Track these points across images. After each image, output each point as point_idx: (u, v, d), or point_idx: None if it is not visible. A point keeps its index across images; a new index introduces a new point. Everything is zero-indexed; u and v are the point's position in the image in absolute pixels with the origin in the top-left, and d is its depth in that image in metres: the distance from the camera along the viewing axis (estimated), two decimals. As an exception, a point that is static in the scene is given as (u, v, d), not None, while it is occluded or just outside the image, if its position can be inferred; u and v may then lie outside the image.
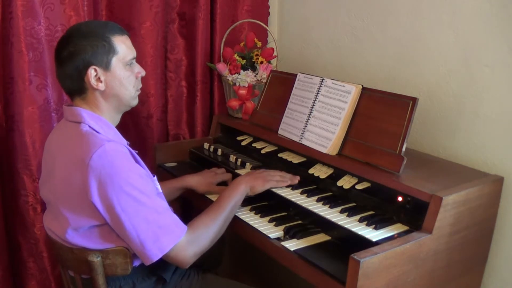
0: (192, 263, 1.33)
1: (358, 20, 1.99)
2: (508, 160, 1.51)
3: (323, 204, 1.50)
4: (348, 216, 1.41)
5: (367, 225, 1.35)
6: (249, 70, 2.09)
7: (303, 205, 1.50)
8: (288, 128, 1.80)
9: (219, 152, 2.01)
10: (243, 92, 2.06)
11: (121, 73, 1.35)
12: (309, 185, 1.64)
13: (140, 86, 1.44)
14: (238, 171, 1.78)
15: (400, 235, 1.30)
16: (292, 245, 1.36)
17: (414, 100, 1.45)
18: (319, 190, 1.60)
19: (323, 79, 1.72)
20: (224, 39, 2.19)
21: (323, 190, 1.60)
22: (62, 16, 1.79)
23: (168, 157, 2.07)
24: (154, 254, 1.26)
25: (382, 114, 1.52)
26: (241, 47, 2.20)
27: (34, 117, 1.79)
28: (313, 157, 1.68)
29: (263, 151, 1.87)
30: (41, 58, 1.77)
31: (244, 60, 2.14)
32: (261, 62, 2.12)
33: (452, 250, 1.35)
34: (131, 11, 2.02)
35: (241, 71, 2.08)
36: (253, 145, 1.93)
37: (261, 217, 1.54)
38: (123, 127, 1.83)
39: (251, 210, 1.59)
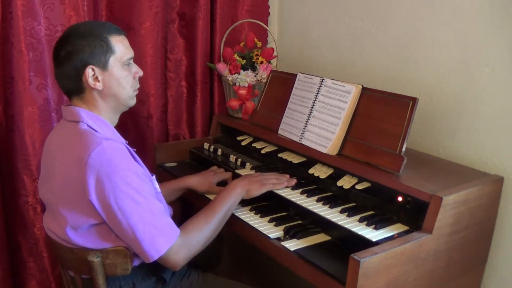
0: (183, 265, 1.34)
1: (358, 20, 1.99)
2: (508, 160, 1.51)
3: (323, 204, 1.50)
4: (348, 216, 1.41)
5: (367, 225, 1.35)
6: (249, 70, 2.09)
7: (303, 205, 1.50)
8: (288, 128, 1.80)
9: (219, 152, 2.01)
10: (243, 92, 2.06)
11: (118, 73, 1.36)
12: (309, 185, 1.64)
13: (138, 86, 1.45)
14: (238, 171, 1.78)
15: (400, 235, 1.30)
16: (292, 245, 1.36)
17: (414, 100, 1.45)
18: (319, 190, 1.60)
19: (323, 79, 1.72)
20: (224, 39, 2.19)
21: (323, 190, 1.60)
22: (62, 16, 1.79)
23: (168, 157, 2.07)
24: (151, 254, 1.26)
25: (382, 114, 1.52)
26: (241, 47, 2.20)
27: (34, 117, 1.79)
28: (313, 157, 1.68)
29: (263, 151, 1.87)
30: (41, 58, 1.77)
31: (244, 60, 2.14)
32: (261, 62, 2.12)
33: (452, 250, 1.35)
34: (131, 11, 2.02)
35: (241, 71, 2.08)
36: (253, 145, 1.93)
37: (261, 217, 1.54)
38: (122, 127, 1.83)
39: (251, 210, 1.59)
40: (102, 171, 1.22)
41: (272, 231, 1.45)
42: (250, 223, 1.50)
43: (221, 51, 2.19)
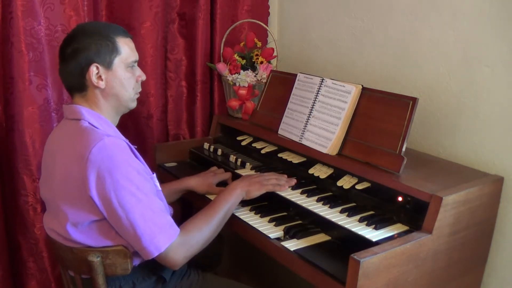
0: (182, 265, 1.34)
1: (358, 20, 1.99)
2: (508, 160, 1.51)
3: (323, 204, 1.50)
4: (348, 216, 1.41)
5: (367, 225, 1.35)
6: (249, 70, 2.09)
7: (303, 205, 1.50)
8: (288, 128, 1.80)
9: (219, 152, 2.01)
10: (243, 92, 2.06)
11: (122, 74, 1.37)
12: (309, 185, 1.64)
13: (140, 90, 1.46)
14: (238, 171, 1.78)
15: (400, 235, 1.30)
16: (292, 245, 1.36)
17: (414, 100, 1.45)
18: (319, 190, 1.60)
19: (323, 79, 1.72)
20: (224, 39, 2.19)
21: (323, 190, 1.60)
22: (62, 16, 1.79)
23: (168, 157, 2.07)
24: (150, 251, 1.26)
25: (382, 114, 1.52)
26: (241, 47, 2.20)
27: (34, 117, 1.79)
28: (313, 157, 1.68)
29: (263, 151, 1.87)
30: (41, 58, 1.77)
31: (244, 60, 2.14)
32: (261, 62, 2.12)
33: (452, 250, 1.35)
34: (131, 11, 2.02)
35: (241, 71, 2.08)
36: (253, 145, 1.93)
37: (261, 217, 1.54)
38: (123, 127, 1.82)
39: (251, 210, 1.59)
40: (103, 167, 1.22)
41: (272, 231, 1.45)
42: (250, 223, 1.50)
43: (221, 51, 2.19)
